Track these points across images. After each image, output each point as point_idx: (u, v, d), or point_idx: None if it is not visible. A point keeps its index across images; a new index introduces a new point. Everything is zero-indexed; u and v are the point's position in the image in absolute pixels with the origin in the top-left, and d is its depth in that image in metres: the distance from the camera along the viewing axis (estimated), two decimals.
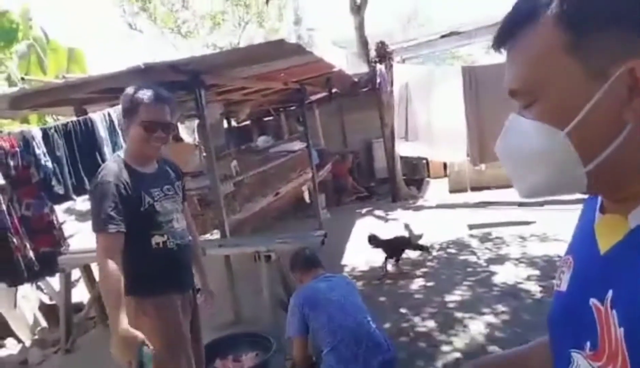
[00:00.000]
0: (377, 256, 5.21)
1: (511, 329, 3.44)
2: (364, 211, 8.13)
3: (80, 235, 5.80)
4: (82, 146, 3.65)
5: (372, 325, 2.62)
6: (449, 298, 4.14)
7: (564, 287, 0.68)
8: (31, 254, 3.31)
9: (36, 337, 4.54)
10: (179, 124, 6.80)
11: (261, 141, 8.62)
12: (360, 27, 8.54)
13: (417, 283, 4.59)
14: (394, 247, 4.98)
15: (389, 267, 5.07)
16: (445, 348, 3.32)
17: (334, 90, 7.71)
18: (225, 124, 9.37)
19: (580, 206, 0.75)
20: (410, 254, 5.09)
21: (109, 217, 1.89)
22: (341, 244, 6.11)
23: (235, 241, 4.14)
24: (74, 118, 3.86)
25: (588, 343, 0.58)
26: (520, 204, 6.75)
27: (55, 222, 3.64)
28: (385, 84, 8.04)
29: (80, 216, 6.52)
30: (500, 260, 4.90)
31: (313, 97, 8.54)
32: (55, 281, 4.44)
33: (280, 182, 6.31)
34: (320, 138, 9.81)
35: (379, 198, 9.11)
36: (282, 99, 8.19)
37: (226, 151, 7.27)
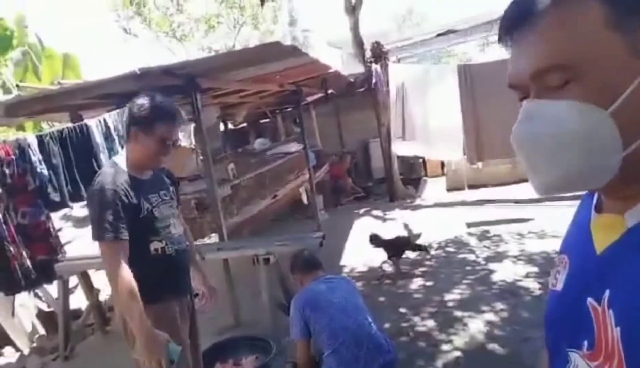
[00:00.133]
0: (376, 257, 5.21)
1: (510, 327, 3.44)
2: (361, 211, 8.13)
3: (77, 242, 5.79)
4: (78, 153, 3.64)
5: (373, 327, 2.62)
6: (448, 297, 4.14)
7: (559, 287, 0.68)
8: (28, 262, 3.31)
9: (34, 344, 4.52)
10: None
11: (258, 143, 8.61)
12: (355, 28, 8.54)
13: (416, 283, 4.59)
14: (395, 247, 4.97)
15: (388, 267, 5.08)
16: (445, 347, 3.32)
17: (330, 91, 7.72)
18: (222, 127, 9.36)
19: (577, 202, 0.74)
20: (409, 254, 5.09)
21: (112, 225, 1.89)
22: (340, 245, 6.11)
23: (233, 245, 4.14)
24: (70, 125, 3.85)
25: (585, 343, 0.58)
26: (518, 202, 6.78)
27: (51, 230, 3.63)
28: (381, 84, 8.05)
29: (77, 222, 6.51)
30: (499, 257, 4.90)
31: (309, 99, 8.55)
32: (53, 289, 4.43)
33: (277, 184, 6.31)
34: (317, 139, 9.81)
35: (377, 197, 9.11)
36: (278, 101, 8.19)
37: (223, 154, 7.26)
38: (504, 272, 4.47)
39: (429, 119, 7.48)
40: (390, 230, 5.80)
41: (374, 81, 8.11)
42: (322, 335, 2.59)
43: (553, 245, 4.78)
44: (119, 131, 3.85)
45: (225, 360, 3.20)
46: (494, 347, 3.24)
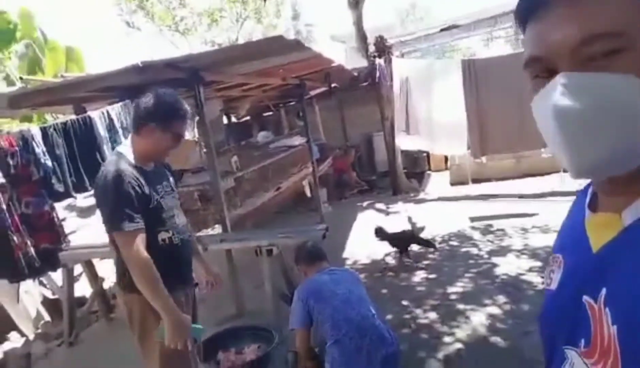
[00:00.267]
0: (379, 249, 5.22)
1: (513, 320, 3.45)
2: (365, 204, 8.13)
3: (81, 231, 5.82)
4: (81, 145, 3.66)
5: (377, 319, 2.63)
6: (450, 290, 4.15)
7: (554, 286, 0.68)
8: (32, 251, 3.33)
9: (39, 330, 4.58)
10: None
11: (261, 136, 8.61)
12: (358, 22, 8.51)
13: (419, 276, 4.59)
14: (401, 241, 4.97)
15: (391, 260, 5.08)
16: (446, 339, 3.32)
17: (333, 85, 7.70)
18: (225, 120, 9.38)
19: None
20: (413, 247, 5.09)
21: (131, 215, 1.91)
22: (343, 237, 6.11)
23: (236, 236, 4.15)
24: (73, 117, 3.86)
25: (582, 341, 0.58)
26: (522, 197, 6.77)
27: (56, 219, 3.65)
28: (385, 78, 8.02)
29: (81, 212, 6.53)
30: (502, 251, 4.90)
31: (312, 93, 8.53)
32: (57, 277, 4.47)
33: (281, 177, 6.31)
34: (321, 132, 9.80)
35: (380, 191, 9.11)
36: (281, 95, 8.18)
37: (226, 147, 7.27)
38: (507, 266, 4.47)
39: (433, 114, 7.46)
40: (394, 224, 5.80)
41: (377, 75, 8.09)
42: (325, 326, 2.60)
43: None
44: (122, 123, 3.87)
45: (227, 349, 3.22)
46: (495, 339, 3.25)
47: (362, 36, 8.50)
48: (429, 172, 9.83)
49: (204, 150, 4.96)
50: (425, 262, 4.90)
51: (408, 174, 9.13)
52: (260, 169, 5.82)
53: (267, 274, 3.74)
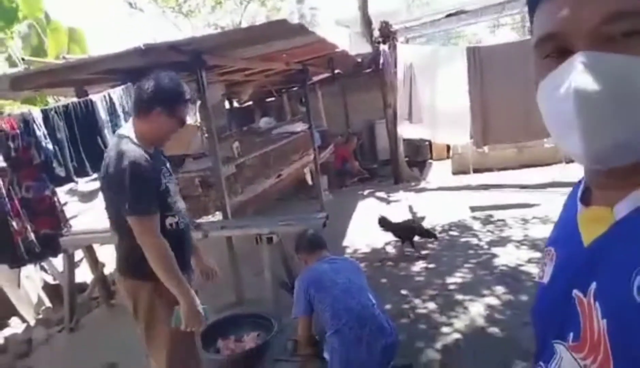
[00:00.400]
0: (379, 238, 5.22)
1: (511, 311, 3.46)
2: (366, 192, 8.12)
3: (82, 216, 5.83)
4: (82, 128, 3.64)
5: (377, 308, 2.65)
6: (449, 280, 4.16)
7: (546, 279, 0.67)
8: (32, 236, 3.34)
9: (40, 316, 4.61)
10: None
11: (263, 122, 8.56)
12: (363, 6, 8.40)
13: (418, 266, 4.60)
14: (405, 231, 4.96)
15: (391, 249, 5.09)
16: (445, 329, 3.34)
17: (336, 71, 7.63)
18: (227, 105, 9.32)
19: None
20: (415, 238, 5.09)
21: (148, 200, 1.92)
22: (343, 226, 6.12)
23: (237, 223, 4.15)
24: (75, 99, 3.84)
25: (571, 334, 0.58)
26: (523, 187, 6.75)
27: (57, 204, 3.65)
28: (389, 65, 7.94)
29: (83, 197, 6.54)
30: (502, 242, 4.90)
31: (315, 78, 8.47)
32: (58, 262, 4.49)
33: (282, 164, 6.29)
34: (323, 119, 9.75)
35: (381, 179, 9.09)
36: (284, 80, 8.12)
37: (228, 132, 7.23)
38: (507, 257, 4.47)
39: (436, 102, 7.40)
40: (395, 212, 5.79)
41: (381, 61, 8.01)
42: (326, 315, 2.62)
43: None
44: (123, 108, 3.84)
45: (227, 336, 3.25)
46: (493, 330, 3.26)
47: (366, 21, 8.39)
48: (430, 161, 9.80)
49: (206, 135, 4.94)
50: (425, 252, 4.90)
51: (410, 163, 9.10)
52: (262, 155, 5.80)
53: (267, 262, 3.74)
